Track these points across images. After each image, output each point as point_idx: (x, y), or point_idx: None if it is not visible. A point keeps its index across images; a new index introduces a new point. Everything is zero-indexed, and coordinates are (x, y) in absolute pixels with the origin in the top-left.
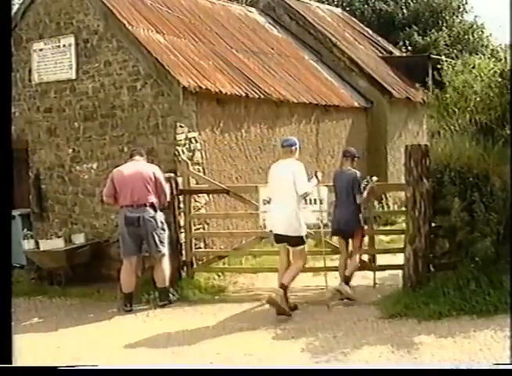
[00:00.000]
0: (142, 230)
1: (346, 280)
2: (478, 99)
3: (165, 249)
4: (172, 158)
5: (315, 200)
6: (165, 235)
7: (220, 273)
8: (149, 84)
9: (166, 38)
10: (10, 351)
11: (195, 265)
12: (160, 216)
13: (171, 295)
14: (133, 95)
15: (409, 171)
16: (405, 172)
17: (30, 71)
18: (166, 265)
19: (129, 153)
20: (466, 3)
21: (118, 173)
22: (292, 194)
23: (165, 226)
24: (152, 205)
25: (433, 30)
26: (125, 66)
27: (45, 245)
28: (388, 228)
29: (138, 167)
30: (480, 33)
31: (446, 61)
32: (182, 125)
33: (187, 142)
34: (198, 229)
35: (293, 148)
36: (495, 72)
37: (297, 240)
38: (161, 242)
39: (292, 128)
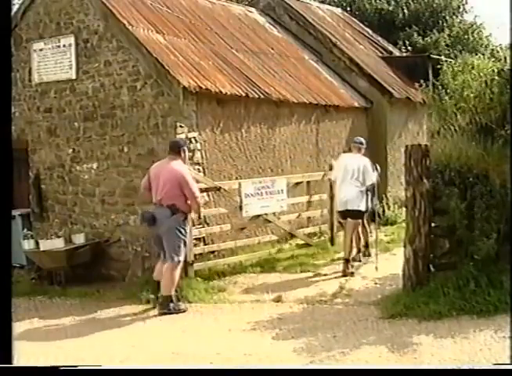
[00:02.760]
0: (159, 230)
1: (363, 252)
2: (478, 99)
3: (178, 258)
4: None
5: (279, 191)
6: (181, 242)
7: (220, 274)
8: (149, 85)
9: (166, 38)
10: (10, 351)
11: (195, 265)
12: (176, 220)
13: (171, 305)
14: (133, 95)
15: (409, 171)
16: (405, 172)
17: (30, 71)
18: (173, 273)
19: (167, 151)
20: (466, 3)
21: (154, 169)
22: (360, 181)
23: (183, 232)
24: (171, 207)
25: (433, 30)
26: (125, 66)
27: (45, 245)
28: None
29: (170, 167)
30: (480, 33)
31: (446, 61)
32: (182, 125)
33: (187, 142)
34: (198, 228)
35: (362, 146)
36: (495, 72)
37: (359, 214)
38: (175, 249)
39: (292, 128)
